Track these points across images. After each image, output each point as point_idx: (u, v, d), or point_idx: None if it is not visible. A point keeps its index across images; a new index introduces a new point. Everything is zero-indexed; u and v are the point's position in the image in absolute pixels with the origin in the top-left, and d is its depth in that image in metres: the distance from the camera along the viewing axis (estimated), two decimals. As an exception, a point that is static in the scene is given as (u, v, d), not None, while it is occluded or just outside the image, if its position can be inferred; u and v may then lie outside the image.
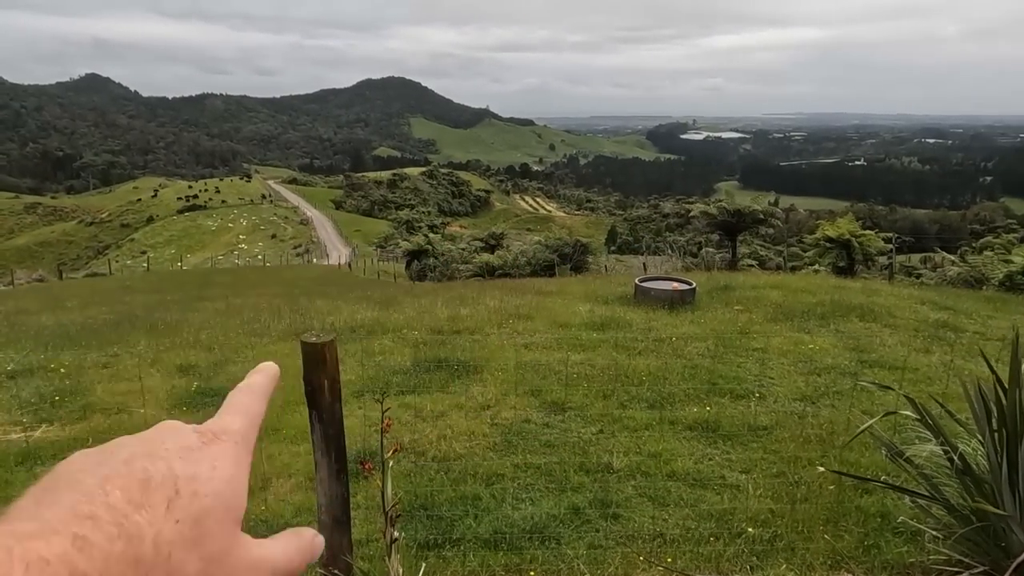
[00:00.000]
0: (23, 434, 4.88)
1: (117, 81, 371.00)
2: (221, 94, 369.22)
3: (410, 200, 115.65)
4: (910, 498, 3.02)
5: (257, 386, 0.44)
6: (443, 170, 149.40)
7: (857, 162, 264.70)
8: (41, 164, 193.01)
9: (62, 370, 6.35)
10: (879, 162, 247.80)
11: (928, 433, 2.98)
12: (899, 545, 3.35)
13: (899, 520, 3.40)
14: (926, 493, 2.88)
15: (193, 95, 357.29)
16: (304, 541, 0.40)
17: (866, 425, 2.99)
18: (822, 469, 3.88)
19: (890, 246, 17.55)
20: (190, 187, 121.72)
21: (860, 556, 3.30)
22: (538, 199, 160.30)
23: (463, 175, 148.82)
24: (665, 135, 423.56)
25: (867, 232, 17.90)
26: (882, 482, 2.91)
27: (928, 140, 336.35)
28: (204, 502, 0.33)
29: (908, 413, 3.05)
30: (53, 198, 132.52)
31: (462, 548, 3.40)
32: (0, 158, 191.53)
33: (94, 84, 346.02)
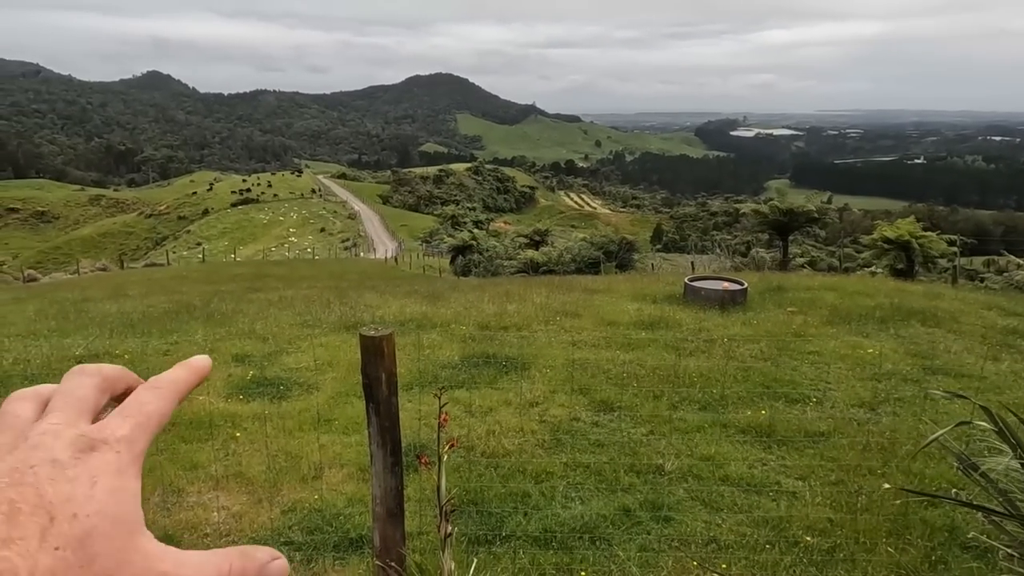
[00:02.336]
0: (91, 417, 5.08)
1: (176, 78, 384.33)
2: (274, 91, 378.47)
3: (455, 196, 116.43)
4: (982, 513, 2.89)
5: (167, 383, 0.39)
6: (488, 166, 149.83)
7: (916, 160, 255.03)
8: (105, 158, 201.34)
9: (126, 356, 6.60)
10: (940, 160, 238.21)
11: (1003, 445, 2.83)
12: (968, 561, 3.20)
13: (969, 535, 3.25)
14: (1001, 509, 2.74)
15: (247, 92, 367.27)
16: (250, 564, 0.35)
17: (937, 434, 2.85)
18: (887, 486, 3.73)
19: (953, 248, 16.85)
20: (243, 181, 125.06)
21: (926, 571, 3.17)
22: (583, 196, 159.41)
23: (508, 171, 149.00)
24: (714, 132, 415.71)
25: (928, 233, 17.23)
26: (955, 499, 2.78)
27: (993, 138, 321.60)
28: (86, 523, 0.30)
29: (982, 423, 2.91)
30: (116, 191, 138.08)
31: (512, 545, 3.39)
32: (68, 152, 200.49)
33: (155, 81, 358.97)
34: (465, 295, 10.10)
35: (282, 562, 0.36)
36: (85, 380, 0.38)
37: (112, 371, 0.39)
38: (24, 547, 0.29)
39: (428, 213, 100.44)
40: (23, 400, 0.37)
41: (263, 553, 0.36)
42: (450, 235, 44.67)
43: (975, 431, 4.33)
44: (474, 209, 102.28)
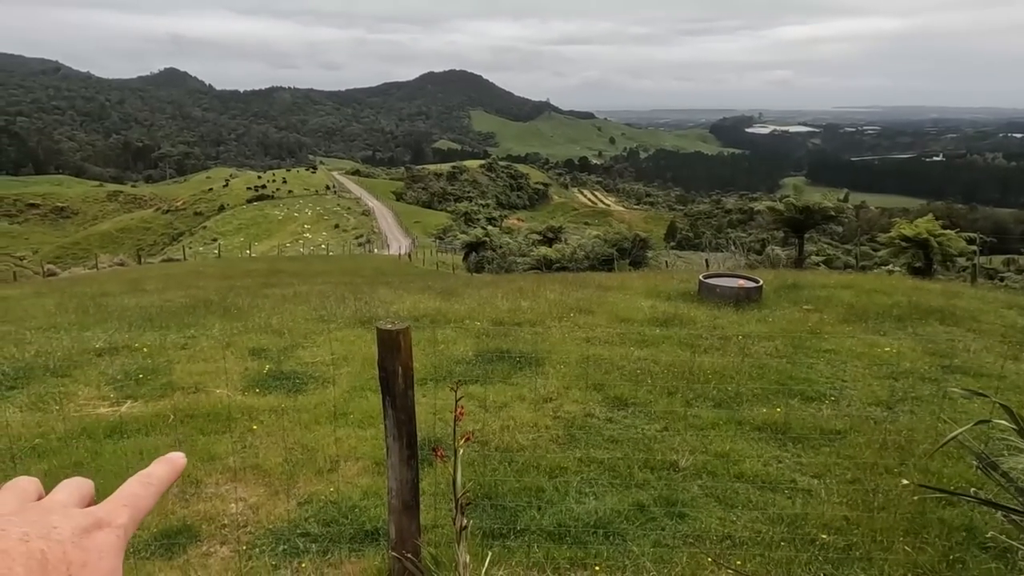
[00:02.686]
0: (111, 408, 5.16)
1: (193, 75, 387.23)
2: (289, 87, 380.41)
3: (469, 192, 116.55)
4: (1002, 513, 2.86)
5: (155, 478, 0.45)
6: (502, 163, 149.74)
7: (935, 158, 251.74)
8: (123, 154, 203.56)
9: (145, 349, 6.68)
10: (959, 158, 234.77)
11: (1024, 445, 2.80)
12: (987, 562, 3.17)
13: (988, 535, 3.22)
14: (1021, 509, 2.71)
15: (262, 89, 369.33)
16: None
17: (956, 433, 2.82)
18: (906, 482, 3.71)
19: (973, 247, 16.62)
20: (259, 177, 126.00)
21: (943, 571, 3.14)
22: (597, 193, 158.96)
23: (522, 168, 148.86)
24: (729, 129, 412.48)
25: (947, 231, 16.99)
26: (974, 497, 2.75)
27: (1015, 135, 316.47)
28: None
29: (1003, 422, 2.88)
30: (133, 187, 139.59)
31: (526, 539, 3.41)
32: (86, 148, 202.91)
33: (172, 78, 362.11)
34: (479, 291, 10.12)
35: None
36: (86, 484, 0.45)
37: (89, 483, 0.46)
38: None
39: (441, 210, 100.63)
40: (26, 480, 0.43)
41: None
42: (463, 232, 44.78)
43: (995, 430, 4.29)
44: (487, 206, 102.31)
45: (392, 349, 2.78)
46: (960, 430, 2.86)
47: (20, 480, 0.43)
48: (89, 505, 0.43)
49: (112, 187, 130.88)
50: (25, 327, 8.00)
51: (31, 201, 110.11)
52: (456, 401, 2.48)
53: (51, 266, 37.30)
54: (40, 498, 0.42)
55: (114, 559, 0.38)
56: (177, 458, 0.47)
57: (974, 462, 3.08)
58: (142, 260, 39.59)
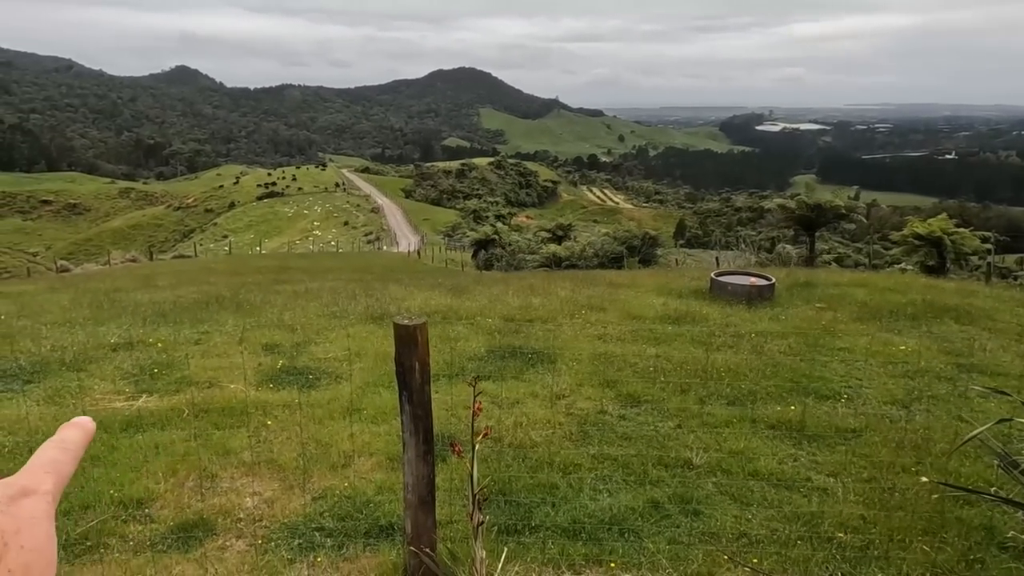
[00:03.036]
0: (127, 403, 5.19)
1: (204, 73, 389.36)
2: (299, 85, 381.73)
3: (478, 190, 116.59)
4: (1022, 512, 2.83)
5: (71, 443, 0.44)
6: (511, 161, 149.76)
7: (947, 156, 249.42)
8: (134, 152, 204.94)
9: (159, 345, 6.73)
10: (972, 156, 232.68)
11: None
12: (1007, 561, 3.14)
13: (1008, 535, 3.19)
14: (1043, 508, 2.69)
15: (273, 86, 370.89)
16: None
17: (977, 431, 2.80)
18: (925, 480, 3.68)
19: (987, 245, 16.48)
20: (269, 175, 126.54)
21: (962, 570, 3.11)
22: (606, 191, 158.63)
23: (531, 166, 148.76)
24: (739, 126, 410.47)
25: (961, 230, 16.87)
26: (995, 496, 2.72)
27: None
28: (28, 556, 0.35)
29: (1023, 421, 2.85)
30: (145, 184, 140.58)
31: (541, 535, 3.40)
32: (99, 146, 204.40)
33: (183, 76, 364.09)
34: (489, 288, 10.12)
35: None
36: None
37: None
38: None
39: (450, 207, 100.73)
40: None
41: None
42: (472, 229, 44.80)
43: (1014, 429, 4.25)
44: (496, 203, 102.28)
45: (409, 344, 2.78)
46: (981, 428, 2.84)
47: None
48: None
49: (124, 184, 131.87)
50: (40, 322, 8.07)
51: (44, 198, 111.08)
52: (474, 396, 2.48)
53: (64, 262, 37.63)
54: None
55: (47, 523, 0.38)
56: (85, 422, 0.47)
57: (994, 461, 3.05)
58: (154, 257, 39.86)
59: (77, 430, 0.45)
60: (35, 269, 35.17)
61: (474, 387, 2.47)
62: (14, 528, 0.36)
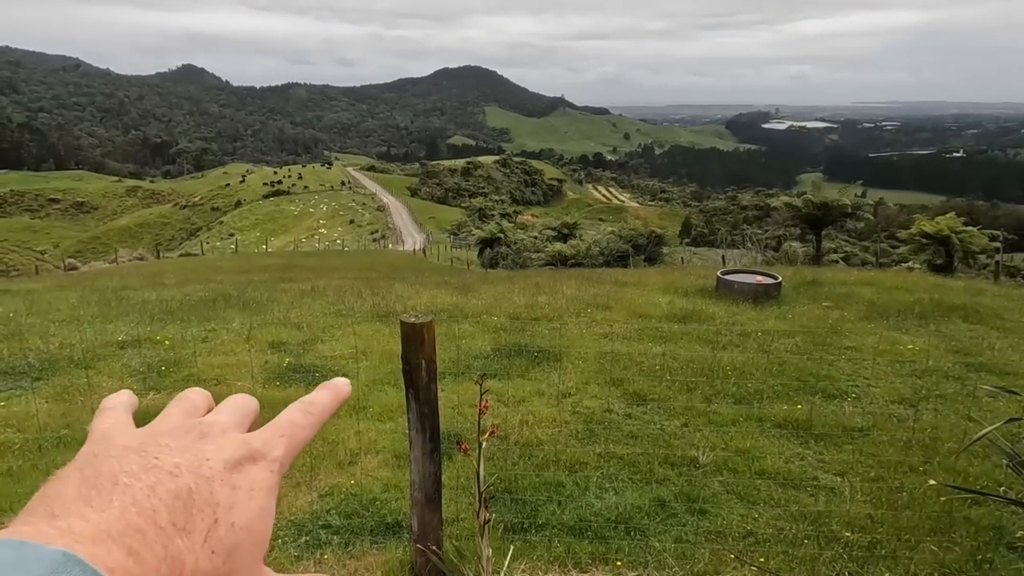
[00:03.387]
0: (134, 400, 5.22)
1: (211, 72, 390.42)
2: (305, 84, 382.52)
3: (483, 188, 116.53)
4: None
5: (317, 407, 0.40)
6: (516, 159, 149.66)
7: (955, 154, 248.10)
8: (141, 150, 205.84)
9: (166, 342, 6.76)
10: (980, 154, 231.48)
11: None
12: (1015, 562, 3.13)
13: (1016, 535, 3.17)
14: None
15: (279, 85, 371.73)
16: None
17: (986, 431, 2.79)
18: (932, 482, 3.66)
19: (995, 244, 16.38)
20: (275, 173, 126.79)
21: (970, 570, 3.10)
22: (611, 189, 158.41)
23: (536, 164, 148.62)
24: (745, 124, 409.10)
25: (969, 228, 16.76)
26: (1003, 497, 2.71)
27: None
28: (238, 535, 0.32)
29: (1034, 421, 2.83)
30: (151, 182, 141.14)
31: (547, 533, 3.41)
32: (106, 144, 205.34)
33: (190, 75, 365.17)
34: (495, 287, 10.12)
35: None
36: (249, 402, 0.41)
37: (256, 403, 0.42)
38: (191, 542, 0.30)
39: (456, 205, 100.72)
40: (195, 392, 0.40)
41: None
42: (478, 227, 44.80)
43: (1022, 429, 4.22)
44: (502, 202, 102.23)
45: (416, 342, 2.78)
46: (990, 428, 2.82)
47: (189, 393, 0.40)
48: (251, 428, 0.39)
49: (131, 182, 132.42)
50: (49, 320, 8.11)
51: (52, 196, 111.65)
52: (481, 394, 2.49)
53: (72, 260, 37.84)
54: (207, 413, 0.39)
55: (266, 497, 0.34)
56: (342, 384, 0.42)
57: (1003, 461, 3.03)
58: (160, 255, 40.03)
59: (328, 392, 0.41)
60: (43, 267, 35.36)
61: (480, 385, 2.48)
62: (229, 502, 0.32)
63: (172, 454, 0.33)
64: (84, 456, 0.33)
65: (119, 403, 0.40)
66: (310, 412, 0.39)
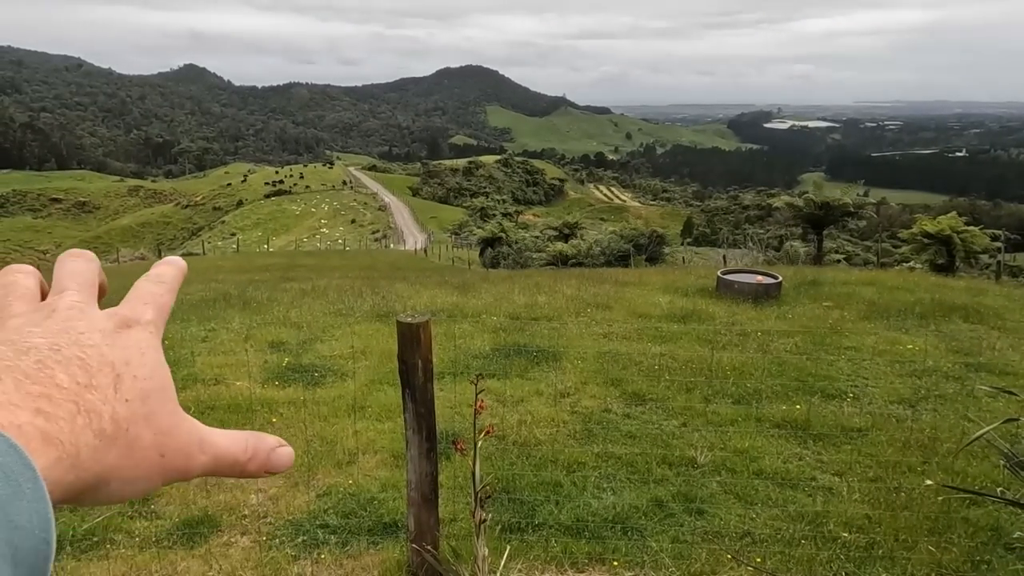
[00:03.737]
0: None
1: (212, 71, 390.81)
2: (306, 83, 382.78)
3: (485, 188, 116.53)
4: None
5: (166, 277, 0.41)
6: (518, 159, 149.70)
7: (958, 153, 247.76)
8: (143, 150, 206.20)
9: (166, 341, 6.68)
10: (983, 153, 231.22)
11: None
12: (1014, 563, 3.12)
13: (1014, 536, 3.16)
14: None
15: (280, 84, 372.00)
16: (261, 445, 0.37)
17: (983, 431, 2.78)
18: (929, 483, 3.66)
19: (997, 243, 16.35)
20: (276, 173, 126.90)
21: (968, 571, 3.10)
22: (613, 189, 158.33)
23: (537, 164, 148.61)
24: (748, 124, 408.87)
25: (971, 228, 16.73)
26: (1001, 497, 2.70)
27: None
28: (144, 384, 0.33)
29: (1031, 421, 2.83)
30: (153, 182, 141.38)
31: (544, 533, 3.41)
32: (108, 144, 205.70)
33: (191, 74, 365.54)
34: (495, 286, 10.12)
35: (288, 449, 0.39)
36: (86, 264, 0.40)
37: (96, 260, 0.41)
38: (102, 395, 0.31)
39: (457, 205, 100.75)
40: (24, 274, 0.38)
41: (272, 439, 0.38)
42: (479, 227, 44.79)
43: (1022, 429, 4.21)
44: (503, 201, 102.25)
45: (412, 342, 2.78)
46: (987, 428, 2.82)
47: (16, 279, 0.37)
48: (101, 293, 0.39)
49: (133, 182, 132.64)
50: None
51: (54, 196, 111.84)
52: (476, 395, 2.48)
53: (74, 260, 37.80)
54: (45, 295, 0.38)
55: (155, 353, 0.35)
56: (177, 260, 0.43)
57: (1001, 461, 3.03)
58: (162, 254, 40.08)
59: (170, 267, 0.42)
60: (45, 267, 35.33)
61: (476, 385, 2.48)
62: (124, 359, 0.33)
63: (44, 337, 0.32)
64: None
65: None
66: (162, 281, 0.40)
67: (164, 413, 0.34)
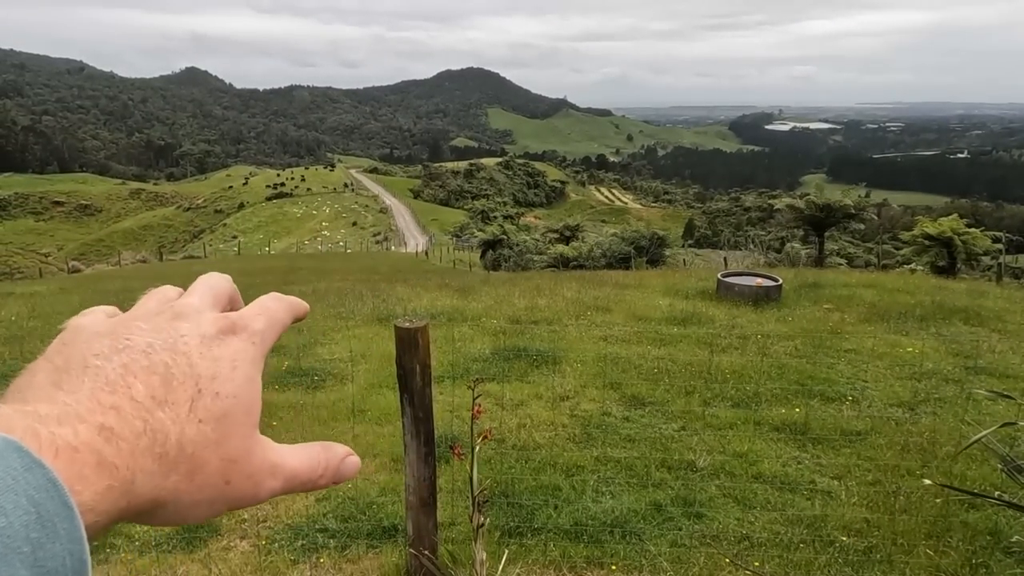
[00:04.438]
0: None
1: (214, 74, 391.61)
2: (308, 86, 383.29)
3: (486, 190, 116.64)
4: (1027, 517, 2.81)
5: (290, 299, 0.40)
6: (519, 161, 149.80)
7: (960, 155, 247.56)
8: (145, 152, 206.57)
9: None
10: (985, 155, 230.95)
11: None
12: (1012, 566, 3.12)
13: (1013, 539, 3.16)
14: (1048, 512, 2.67)
15: (282, 87, 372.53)
16: (332, 457, 0.37)
17: (981, 435, 2.78)
18: (928, 482, 3.65)
19: (998, 245, 16.32)
20: (278, 175, 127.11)
21: (966, 575, 3.10)
22: (614, 191, 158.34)
23: (539, 166, 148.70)
24: (749, 126, 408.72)
25: (972, 230, 16.70)
26: (1000, 500, 2.70)
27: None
28: (225, 403, 0.32)
29: (1029, 425, 2.83)
30: (155, 184, 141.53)
31: (543, 537, 3.41)
32: (110, 147, 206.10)
33: (193, 77, 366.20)
34: (496, 289, 10.13)
35: (355, 459, 0.38)
36: (221, 278, 0.40)
37: (233, 285, 0.41)
38: (175, 413, 0.30)
39: (458, 207, 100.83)
40: (171, 288, 0.39)
41: (341, 449, 0.37)
42: (480, 229, 44.82)
43: (1021, 432, 4.21)
44: (504, 203, 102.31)
45: (410, 347, 2.79)
46: (985, 432, 2.82)
47: (163, 287, 0.39)
48: (229, 309, 0.38)
49: (135, 185, 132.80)
50: (53, 323, 8.14)
51: (56, 199, 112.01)
52: (474, 399, 2.49)
53: (75, 263, 37.97)
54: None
55: (249, 368, 0.34)
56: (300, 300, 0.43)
57: (999, 465, 3.03)
58: (164, 257, 40.15)
59: (294, 297, 0.41)
60: (47, 270, 35.48)
61: (473, 390, 2.48)
62: (211, 373, 0.32)
63: (144, 335, 0.32)
64: (54, 346, 0.33)
65: (98, 308, 0.39)
66: (282, 299, 0.39)
67: (237, 437, 0.32)
